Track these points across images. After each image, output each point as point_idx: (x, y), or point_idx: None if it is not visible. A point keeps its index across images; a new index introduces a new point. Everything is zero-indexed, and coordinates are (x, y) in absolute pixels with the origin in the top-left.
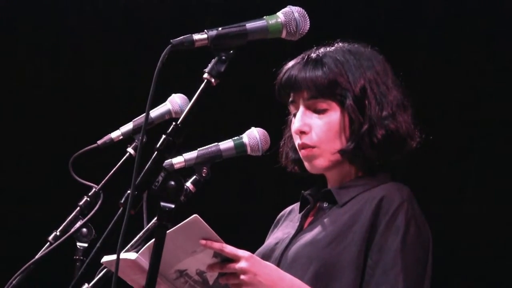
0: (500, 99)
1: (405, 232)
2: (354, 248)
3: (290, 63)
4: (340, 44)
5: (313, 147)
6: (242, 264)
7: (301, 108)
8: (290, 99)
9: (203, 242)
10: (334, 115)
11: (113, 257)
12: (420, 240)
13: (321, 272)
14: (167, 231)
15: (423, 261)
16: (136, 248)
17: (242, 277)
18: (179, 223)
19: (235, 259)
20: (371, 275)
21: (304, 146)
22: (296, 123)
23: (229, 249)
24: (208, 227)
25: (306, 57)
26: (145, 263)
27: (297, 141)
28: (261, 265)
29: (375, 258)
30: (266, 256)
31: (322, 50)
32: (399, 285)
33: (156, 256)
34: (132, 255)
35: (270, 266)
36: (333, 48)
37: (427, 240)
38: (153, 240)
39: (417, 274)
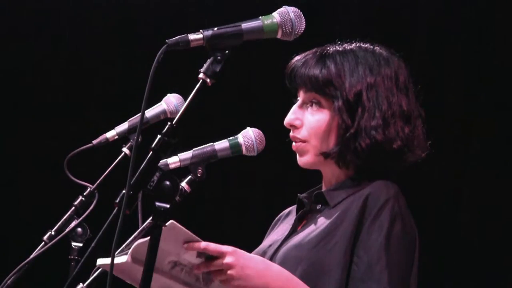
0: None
1: (390, 228)
2: (341, 246)
3: (300, 55)
4: (356, 44)
5: (303, 141)
6: (227, 260)
7: (298, 101)
8: (296, 88)
9: (185, 245)
10: (326, 114)
11: (108, 260)
12: (406, 237)
13: (309, 272)
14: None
15: (408, 258)
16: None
17: (229, 272)
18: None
19: (220, 256)
20: (356, 271)
21: (295, 140)
22: (288, 116)
23: (213, 246)
24: (186, 230)
25: (315, 52)
26: (140, 260)
27: (290, 132)
28: (246, 258)
29: (360, 255)
30: None
31: (333, 48)
32: (383, 280)
33: (151, 255)
34: (123, 258)
35: (255, 258)
36: (347, 47)
37: (413, 238)
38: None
39: (402, 271)
